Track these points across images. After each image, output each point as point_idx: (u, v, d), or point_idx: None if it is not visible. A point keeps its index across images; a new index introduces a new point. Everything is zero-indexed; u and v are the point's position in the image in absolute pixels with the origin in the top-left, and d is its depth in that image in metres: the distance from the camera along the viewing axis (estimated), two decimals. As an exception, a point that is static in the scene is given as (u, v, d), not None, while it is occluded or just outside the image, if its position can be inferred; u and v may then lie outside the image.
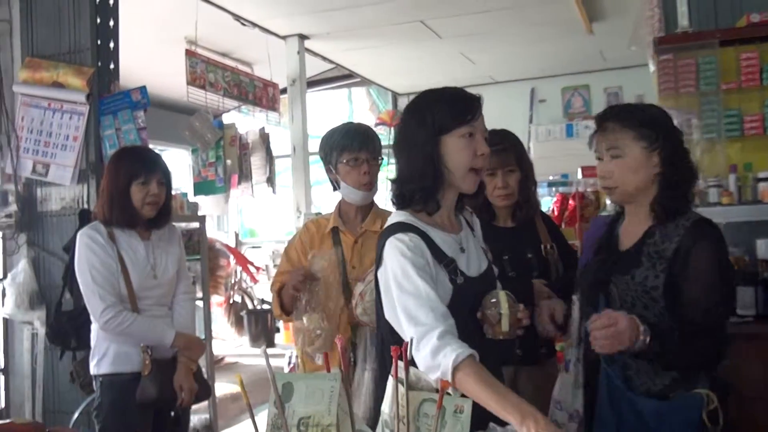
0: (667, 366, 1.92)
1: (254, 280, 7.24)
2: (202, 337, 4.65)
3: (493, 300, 1.90)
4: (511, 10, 5.77)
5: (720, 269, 1.94)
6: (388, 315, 1.85)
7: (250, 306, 7.20)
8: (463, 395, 1.48)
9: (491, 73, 8.06)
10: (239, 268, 7.29)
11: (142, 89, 3.92)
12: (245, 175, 5.80)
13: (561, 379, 2.14)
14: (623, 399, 1.94)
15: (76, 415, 3.54)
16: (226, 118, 5.73)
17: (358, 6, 5.44)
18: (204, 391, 3.06)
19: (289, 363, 5.32)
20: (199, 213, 4.93)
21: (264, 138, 5.98)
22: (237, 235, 8.05)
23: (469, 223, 2.09)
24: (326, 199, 6.20)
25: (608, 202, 2.88)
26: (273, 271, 7.42)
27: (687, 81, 2.86)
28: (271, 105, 6.20)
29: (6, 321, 4.15)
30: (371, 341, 2.38)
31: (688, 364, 1.92)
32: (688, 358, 1.89)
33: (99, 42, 4.00)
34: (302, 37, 6.25)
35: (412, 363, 1.38)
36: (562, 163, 6.40)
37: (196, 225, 4.67)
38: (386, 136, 7.23)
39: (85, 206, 3.89)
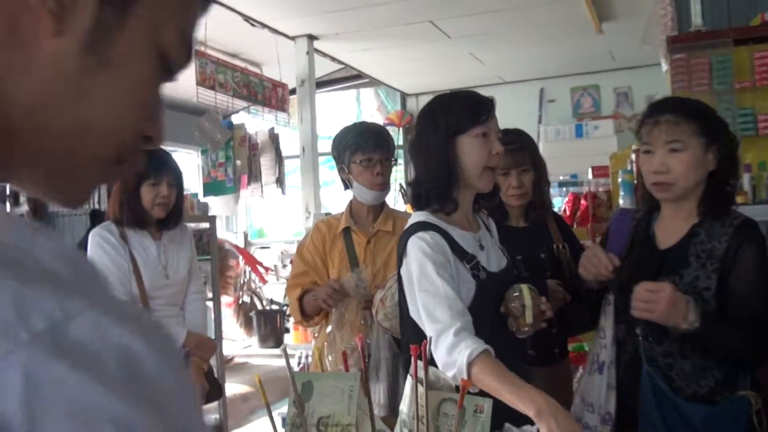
0: (706, 351, 1.87)
1: (263, 281, 7.25)
2: (213, 337, 4.66)
3: (516, 293, 1.95)
4: (520, 10, 5.75)
5: (766, 271, 1.91)
6: (412, 312, 1.89)
7: (259, 306, 7.20)
8: (483, 393, 1.48)
9: (500, 73, 8.03)
10: (248, 269, 7.29)
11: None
12: (255, 176, 5.81)
13: (593, 381, 2.07)
14: (669, 404, 1.88)
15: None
16: (236, 119, 5.73)
17: (367, 6, 5.44)
18: (216, 390, 3.06)
19: (299, 363, 5.32)
20: (209, 213, 4.93)
21: (273, 138, 5.99)
22: (246, 236, 8.05)
23: (486, 225, 2.13)
24: (335, 200, 6.20)
25: (621, 201, 2.87)
26: (282, 272, 7.42)
27: (700, 80, 2.84)
28: (281, 105, 6.20)
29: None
30: (384, 347, 2.41)
31: (731, 357, 1.88)
32: (732, 349, 1.86)
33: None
34: (311, 38, 6.24)
35: (431, 362, 1.37)
36: (572, 164, 6.37)
37: (206, 225, 4.68)
38: (395, 136, 7.23)
39: (96, 206, 3.90)
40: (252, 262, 7.12)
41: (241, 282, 7.27)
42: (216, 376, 4.51)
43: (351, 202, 2.73)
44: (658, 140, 1.94)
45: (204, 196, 5.65)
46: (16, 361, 0.35)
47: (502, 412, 1.61)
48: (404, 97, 8.95)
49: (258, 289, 7.32)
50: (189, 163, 7.68)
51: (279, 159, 6.02)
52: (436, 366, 1.59)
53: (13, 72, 0.47)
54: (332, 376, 1.30)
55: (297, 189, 6.56)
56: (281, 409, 2.40)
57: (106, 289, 0.43)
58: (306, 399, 1.24)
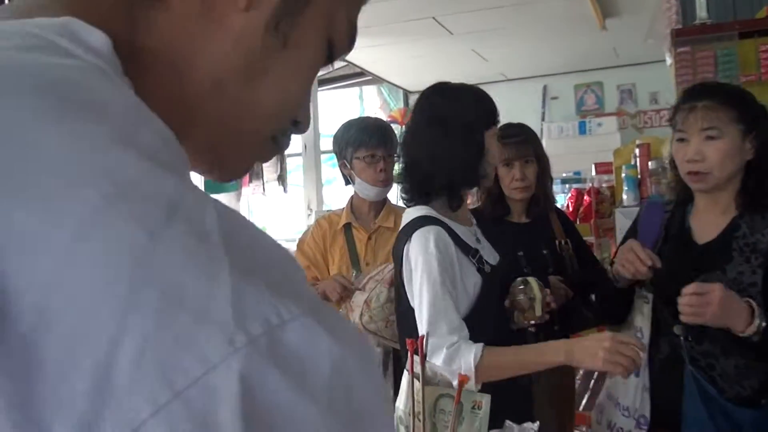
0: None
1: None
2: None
3: (522, 286, 1.93)
4: (522, 6, 5.72)
5: None
6: (415, 302, 1.84)
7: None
8: (482, 389, 1.45)
9: (503, 70, 8.00)
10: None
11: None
12: (256, 173, 5.77)
13: (628, 383, 1.95)
14: (716, 407, 1.77)
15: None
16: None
17: (370, 2, 5.39)
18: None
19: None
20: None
21: (275, 136, 5.97)
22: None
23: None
24: (337, 198, 6.17)
25: (625, 197, 2.84)
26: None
27: (706, 74, 2.80)
28: (283, 103, 6.17)
29: None
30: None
31: None
32: None
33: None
34: (314, 35, 6.22)
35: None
36: (575, 161, 6.35)
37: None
38: (398, 134, 7.19)
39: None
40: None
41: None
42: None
43: (352, 197, 2.71)
44: (694, 127, 1.84)
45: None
46: (234, 367, 0.33)
47: (502, 410, 1.59)
48: (407, 94, 8.93)
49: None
50: (191, 161, 7.66)
51: (281, 157, 5.98)
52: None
53: (207, 42, 0.48)
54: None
55: (299, 187, 6.54)
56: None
57: (309, 290, 0.40)
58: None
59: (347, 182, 2.68)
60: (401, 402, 1.35)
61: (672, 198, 2.06)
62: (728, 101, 1.82)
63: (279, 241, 0.41)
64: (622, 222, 2.75)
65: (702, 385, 1.77)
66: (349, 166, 2.61)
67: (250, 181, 5.68)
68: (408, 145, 1.98)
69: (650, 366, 1.91)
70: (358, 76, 7.95)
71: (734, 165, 1.82)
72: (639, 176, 2.83)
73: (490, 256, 1.99)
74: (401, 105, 8.84)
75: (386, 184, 2.61)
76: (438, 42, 6.70)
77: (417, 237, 1.83)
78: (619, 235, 2.77)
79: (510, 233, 2.61)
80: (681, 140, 1.88)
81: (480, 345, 1.69)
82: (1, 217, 0.32)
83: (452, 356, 1.68)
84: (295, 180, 6.86)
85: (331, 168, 6.27)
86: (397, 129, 7.83)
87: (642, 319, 1.95)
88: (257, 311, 0.35)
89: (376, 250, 2.55)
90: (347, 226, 2.64)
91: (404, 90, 8.88)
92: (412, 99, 8.86)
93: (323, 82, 7.55)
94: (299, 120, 0.59)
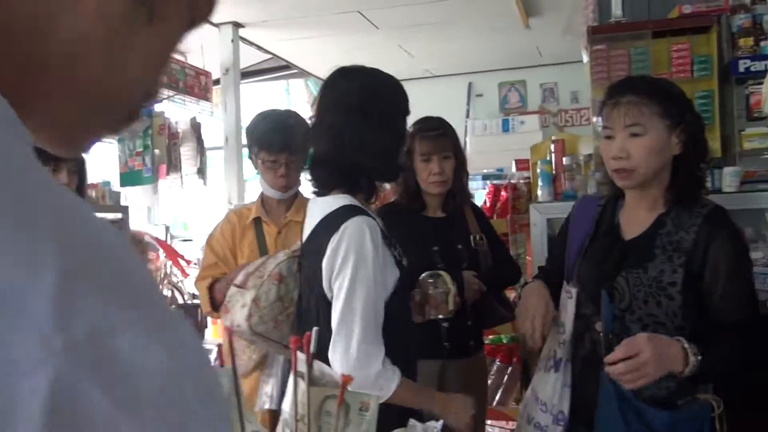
0: (713, 379, 1.73)
1: (185, 274, 7.04)
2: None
3: (431, 280, 1.92)
4: (448, 2, 5.72)
5: (746, 261, 1.80)
6: (336, 299, 1.72)
7: (180, 301, 7.00)
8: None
9: (429, 66, 8.01)
10: (170, 262, 7.09)
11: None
12: (174, 166, 5.61)
13: (547, 378, 1.93)
14: (630, 408, 1.73)
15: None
16: (159, 109, 5.54)
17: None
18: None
19: (216, 359, 5.17)
20: (124, 204, 4.75)
21: (195, 128, 5.80)
22: (168, 229, 7.83)
23: None
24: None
25: (540, 192, 2.85)
26: (204, 265, 7.24)
27: (619, 71, 2.83)
28: (204, 94, 6.02)
29: None
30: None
31: (728, 372, 1.74)
32: (729, 364, 1.72)
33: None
34: (237, 25, 6.09)
35: (317, 357, 1.26)
36: (498, 158, 6.42)
37: (118, 216, 4.49)
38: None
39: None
40: (173, 255, 6.92)
41: (162, 276, 7.07)
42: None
43: (263, 191, 2.63)
44: (618, 124, 1.79)
45: (121, 186, 5.42)
46: (46, 373, 0.29)
47: (405, 408, 1.55)
48: (334, 89, 8.85)
49: (179, 283, 7.12)
50: (107, 152, 7.42)
51: (201, 149, 5.83)
52: (320, 360, 1.45)
53: (63, 9, 0.44)
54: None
55: (222, 181, 6.41)
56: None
57: (154, 293, 0.36)
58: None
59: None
60: (287, 404, 1.27)
61: (604, 194, 2.03)
62: (653, 96, 1.77)
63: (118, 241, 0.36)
64: (536, 217, 2.74)
65: (617, 385, 1.73)
66: (254, 164, 2.56)
67: (168, 173, 5.52)
68: (322, 132, 1.82)
69: (573, 363, 1.89)
70: (284, 69, 7.83)
71: (660, 161, 1.78)
72: (554, 172, 2.83)
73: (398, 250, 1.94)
74: (328, 99, 8.75)
75: (286, 189, 2.54)
76: (364, 37, 6.65)
77: (350, 229, 1.68)
78: (534, 230, 2.78)
79: (425, 228, 2.59)
80: (607, 137, 1.83)
81: (399, 374, 1.67)
82: None
83: (381, 375, 1.64)
84: (217, 174, 6.71)
85: (253, 162, 6.16)
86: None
87: (564, 314, 1.91)
88: (83, 314, 0.30)
89: (286, 244, 2.47)
90: (257, 220, 2.57)
91: (331, 84, 8.80)
92: (339, 93, 8.79)
93: (248, 74, 7.40)
94: (152, 92, 0.55)
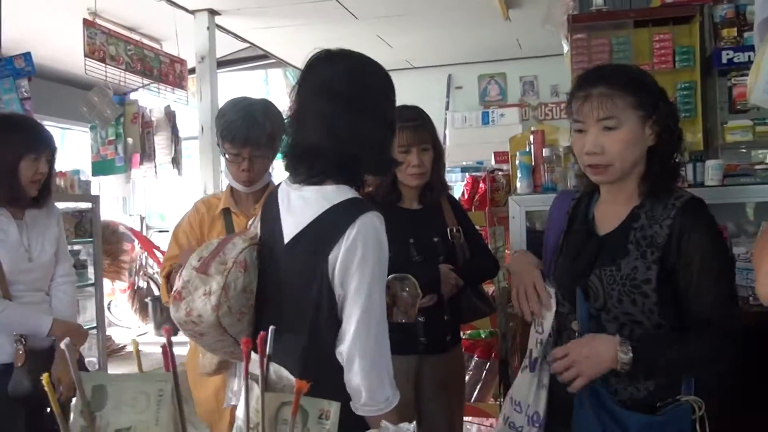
0: (667, 375, 1.68)
1: (160, 266, 6.96)
2: (93, 324, 4.37)
3: (400, 282, 1.88)
4: (428, -8, 5.67)
5: (722, 255, 1.72)
6: (348, 294, 1.60)
7: (155, 292, 6.91)
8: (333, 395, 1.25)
9: (408, 57, 7.95)
10: (145, 254, 6.98)
11: (26, 56, 3.61)
12: (148, 155, 5.52)
13: (523, 378, 1.86)
14: (606, 410, 1.67)
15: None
16: (131, 96, 5.43)
17: (270, -20, 5.23)
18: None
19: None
20: (94, 193, 4.63)
21: (169, 116, 5.70)
22: (143, 219, 7.72)
23: None
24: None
25: (519, 184, 2.79)
26: (179, 257, 7.16)
27: (600, 61, 2.78)
28: (179, 83, 5.91)
29: None
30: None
31: (700, 370, 1.69)
32: (696, 362, 1.66)
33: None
34: (212, 13, 5.99)
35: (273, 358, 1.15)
36: (478, 150, 6.39)
37: (88, 205, 4.38)
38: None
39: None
40: (148, 246, 6.82)
41: (137, 267, 6.96)
42: (97, 367, 4.25)
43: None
44: (590, 117, 1.69)
45: (93, 175, 5.31)
46: None
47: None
48: (312, 79, 8.75)
49: (154, 275, 7.02)
50: (78, 140, 7.29)
51: (175, 138, 5.74)
52: (276, 362, 1.34)
53: None
54: (134, 378, 1.02)
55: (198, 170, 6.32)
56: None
57: None
58: (96, 408, 1.00)
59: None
60: (240, 410, 1.17)
61: (580, 188, 1.95)
62: (626, 87, 1.69)
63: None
64: (515, 210, 2.68)
65: (594, 387, 1.68)
66: (221, 154, 2.48)
67: (141, 162, 5.42)
68: (308, 120, 1.67)
69: (551, 363, 1.79)
70: (263, 58, 7.73)
71: (636, 154, 1.70)
72: (533, 163, 2.77)
73: None
74: (306, 89, 8.66)
75: (249, 184, 2.44)
76: (343, 26, 6.57)
77: (366, 225, 1.57)
78: (513, 223, 2.71)
79: (401, 220, 2.51)
80: (579, 131, 1.75)
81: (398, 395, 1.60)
82: None
83: (394, 388, 1.57)
84: (193, 163, 6.62)
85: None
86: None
87: (545, 313, 1.84)
88: None
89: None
90: (226, 211, 2.48)
91: (310, 75, 8.70)
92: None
93: (225, 63, 7.30)
94: None
